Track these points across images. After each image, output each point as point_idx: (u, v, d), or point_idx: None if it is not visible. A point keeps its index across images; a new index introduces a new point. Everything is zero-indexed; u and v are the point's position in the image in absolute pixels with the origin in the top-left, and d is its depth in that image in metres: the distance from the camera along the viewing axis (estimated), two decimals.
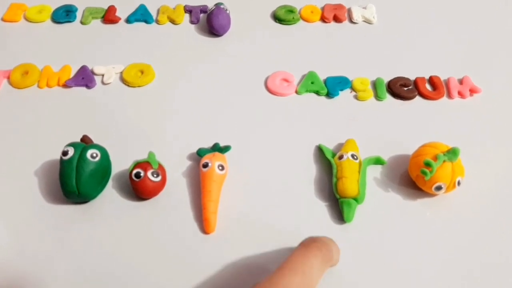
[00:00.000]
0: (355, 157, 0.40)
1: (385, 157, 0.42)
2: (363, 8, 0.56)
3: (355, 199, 0.38)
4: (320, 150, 0.42)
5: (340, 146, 0.42)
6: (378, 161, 0.41)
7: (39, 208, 0.38)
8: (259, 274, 0.35)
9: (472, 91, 0.47)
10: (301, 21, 0.55)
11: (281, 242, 0.36)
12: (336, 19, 0.55)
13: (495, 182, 0.41)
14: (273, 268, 0.34)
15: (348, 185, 0.38)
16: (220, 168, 0.39)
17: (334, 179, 0.39)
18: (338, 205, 0.38)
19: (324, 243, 0.31)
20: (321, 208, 0.39)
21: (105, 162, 0.38)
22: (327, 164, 0.41)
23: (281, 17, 0.54)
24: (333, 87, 0.47)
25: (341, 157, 0.40)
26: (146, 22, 0.54)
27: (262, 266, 0.35)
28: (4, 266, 0.35)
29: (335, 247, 0.33)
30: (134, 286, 0.34)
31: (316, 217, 0.38)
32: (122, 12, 0.55)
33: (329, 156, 0.41)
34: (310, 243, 0.31)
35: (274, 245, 0.36)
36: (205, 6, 0.55)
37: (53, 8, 0.55)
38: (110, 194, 0.39)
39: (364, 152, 0.41)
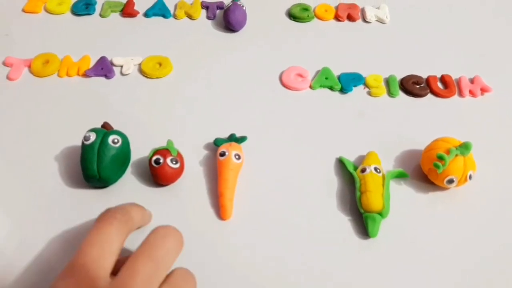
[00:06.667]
0: (378, 170, 0.39)
1: (397, 151, 0.43)
2: (376, 8, 0.57)
3: (380, 213, 0.37)
4: (341, 163, 0.41)
5: (353, 139, 0.43)
6: (400, 174, 0.41)
7: (59, 192, 0.39)
8: (273, 259, 0.36)
9: (483, 90, 0.48)
10: (315, 19, 0.56)
11: (294, 230, 0.37)
12: (350, 18, 0.56)
13: (505, 179, 0.42)
14: (286, 255, 0.36)
15: (373, 199, 0.37)
16: (237, 157, 0.40)
17: (358, 193, 0.38)
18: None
19: (118, 208, 0.32)
20: (331, 201, 0.40)
21: (125, 148, 0.39)
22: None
23: (296, 15, 0.55)
24: (347, 83, 0.48)
25: (363, 170, 0.39)
26: (164, 16, 0.55)
27: (277, 252, 0.36)
28: (25, 247, 0.36)
29: (136, 209, 0.33)
30: None
31: (322, 210, 0.39)
32: (141, 6, 0.56)
33: (350, 169, 0.40)
34: (103, 215, 0.31)
35: (288, 233, 0.37)
36: (222, 3, 0.56)
37: (72, 0, 0.56)
38: (129, 180, 0.40)
39: (375, 147, 0.42)
